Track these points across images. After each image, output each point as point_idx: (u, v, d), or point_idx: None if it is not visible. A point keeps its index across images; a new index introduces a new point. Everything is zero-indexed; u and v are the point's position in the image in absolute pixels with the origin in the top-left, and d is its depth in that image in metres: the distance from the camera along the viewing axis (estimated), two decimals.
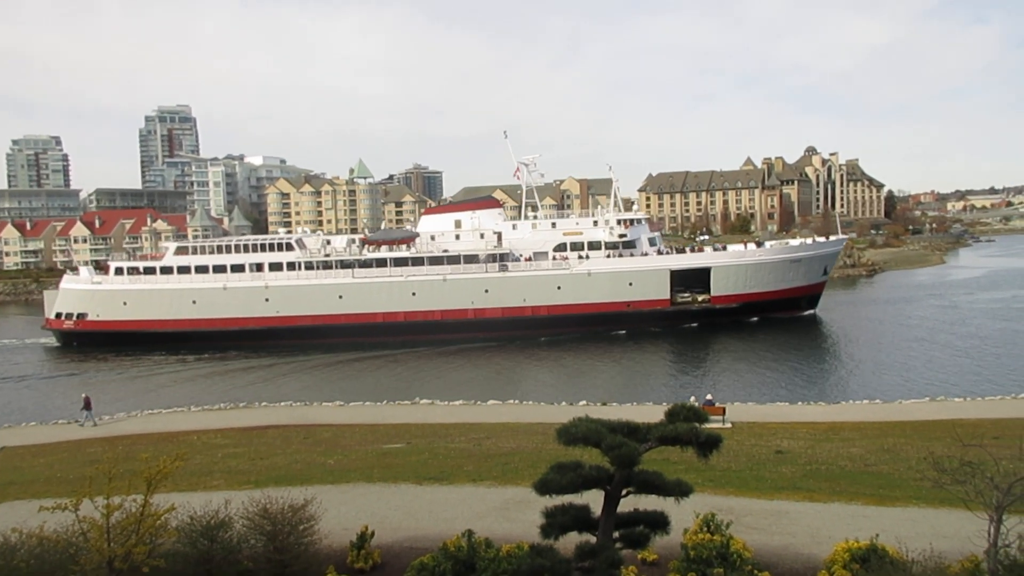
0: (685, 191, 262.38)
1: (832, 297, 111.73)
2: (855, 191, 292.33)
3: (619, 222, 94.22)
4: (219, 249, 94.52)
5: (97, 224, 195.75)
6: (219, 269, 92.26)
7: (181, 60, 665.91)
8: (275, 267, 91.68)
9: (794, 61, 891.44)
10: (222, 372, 74.12)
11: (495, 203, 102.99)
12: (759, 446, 33.23)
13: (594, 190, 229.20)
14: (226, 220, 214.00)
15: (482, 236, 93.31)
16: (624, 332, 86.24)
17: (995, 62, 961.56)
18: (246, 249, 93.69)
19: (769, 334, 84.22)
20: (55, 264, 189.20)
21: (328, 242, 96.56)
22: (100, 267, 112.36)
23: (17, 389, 68.07)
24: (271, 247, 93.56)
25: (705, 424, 15.65)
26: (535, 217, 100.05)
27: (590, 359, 73.92)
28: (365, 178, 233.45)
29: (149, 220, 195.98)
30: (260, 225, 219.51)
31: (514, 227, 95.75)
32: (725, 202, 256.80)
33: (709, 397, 43.44)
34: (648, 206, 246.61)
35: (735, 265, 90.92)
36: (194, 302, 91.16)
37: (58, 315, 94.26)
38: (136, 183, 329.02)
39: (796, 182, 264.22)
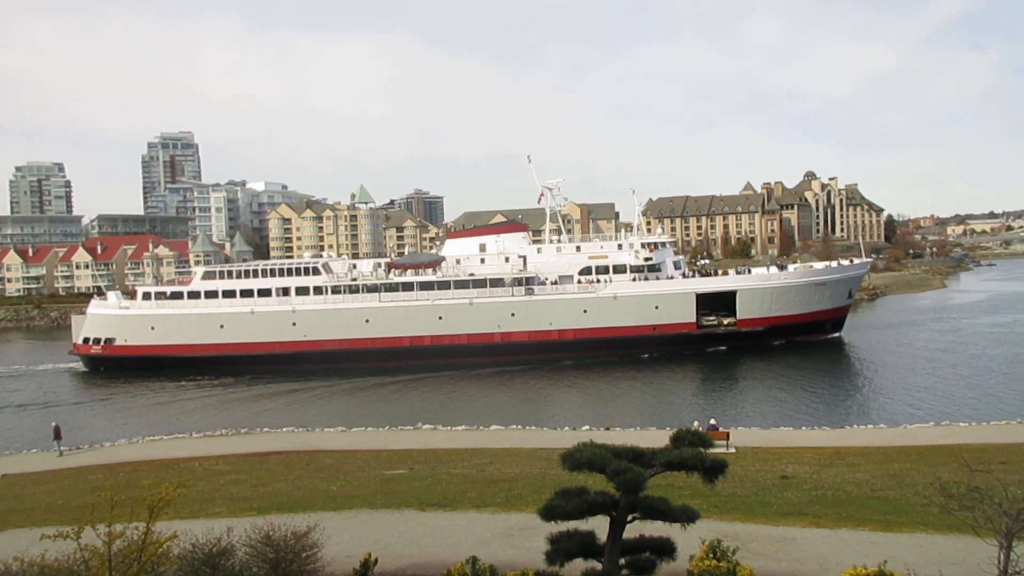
0: (685, 215, 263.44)
1: None
2: (855, 215, 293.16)
3: (644, 245, 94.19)
4: (246, 274, 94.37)
5: (99, 250, 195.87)
6: (246, 293, 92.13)
7: (184, 86, 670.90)
8: (302, 291, 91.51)
9: (793, 87, 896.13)
10: (245, 398, 73.09)
11: (520, 227, 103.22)
12: (764, 471, 33.03)
13: (594, 215, 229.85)
14: (228, 246, 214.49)
15: (507, 260, 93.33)
16: (647, 356, 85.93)
17: (994, 88, 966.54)
18: (273, 274, 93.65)
19: (791, 357, 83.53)
20: (57, 290, 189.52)
21: (355, 266, 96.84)
22: (127, 292, 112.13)
23: (29, 415, 67.35)
24: (298, 271, 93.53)
25: (710, 449, 15.61)
26: (559, 241, 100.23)
27: (613, 381, 73.62)
28: (366, 203, 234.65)
29: (151, 246, 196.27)
30: (262, 251, 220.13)
31: (539, 251, 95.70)
32: (725, 226, 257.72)
33: (713, 422, 43.23)
34: (648, 230, 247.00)
35: (761, 288, 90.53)
36: (222, 327, 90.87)
37: (85, 340, 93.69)
38: (138, 209, 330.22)
39: (796, 207, 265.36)
